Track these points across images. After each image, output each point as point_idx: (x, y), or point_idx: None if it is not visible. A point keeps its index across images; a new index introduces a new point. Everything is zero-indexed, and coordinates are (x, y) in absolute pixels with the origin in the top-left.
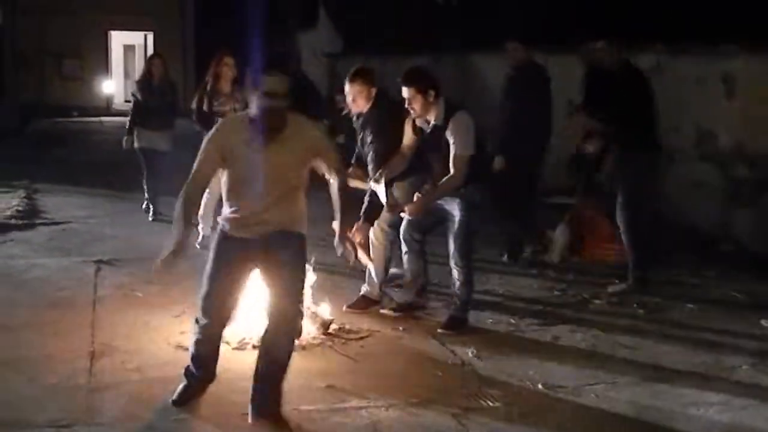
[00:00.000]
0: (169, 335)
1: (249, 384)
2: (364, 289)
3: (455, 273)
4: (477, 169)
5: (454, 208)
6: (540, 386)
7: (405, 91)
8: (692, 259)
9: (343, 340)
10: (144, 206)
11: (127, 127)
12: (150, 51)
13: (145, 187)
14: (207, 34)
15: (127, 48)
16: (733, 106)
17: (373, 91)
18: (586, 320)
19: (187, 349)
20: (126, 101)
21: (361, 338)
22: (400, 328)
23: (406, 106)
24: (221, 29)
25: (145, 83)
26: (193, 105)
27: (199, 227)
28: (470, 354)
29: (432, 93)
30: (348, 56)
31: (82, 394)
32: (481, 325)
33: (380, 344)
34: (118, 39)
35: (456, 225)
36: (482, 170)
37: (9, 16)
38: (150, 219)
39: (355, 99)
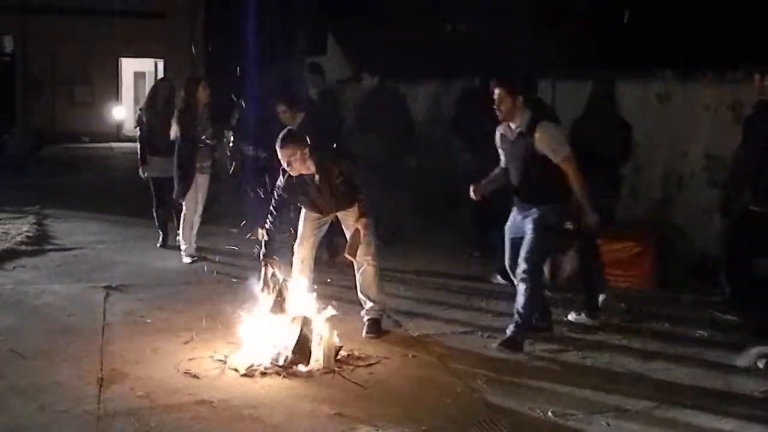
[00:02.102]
0: (178, 362)
1: (254, 412)
2: (369, 313)
3: (520, 289)
4: (554, 189)
5: (527, 224)
6: (550, 414)
7: (496, 92)
8: (702, 285)
9: (352, 367)
10: (160, 240)
11: (139, 156)
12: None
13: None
14: (217, 61)
15: (138, 75)
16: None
17: (307, 151)
18: (597, 346)
19: (195, 376)
20: (136, 127)
21: (370, 365)
22: (409, 354)
23: (494, 107)
24: (231, 57)
25: (150, 108)
26: (177, 132)
27: (182, 246)
28: (479, 381)
29: (521, 99)
30: (356, 82)
31: (91, 421)
32: (491, 352)
33: (389, 371)
34: (129, 66)
35: (526, 242)
36: (560, 191)
37: (20, 43)
38: (158, 245)
39: (291, 164)
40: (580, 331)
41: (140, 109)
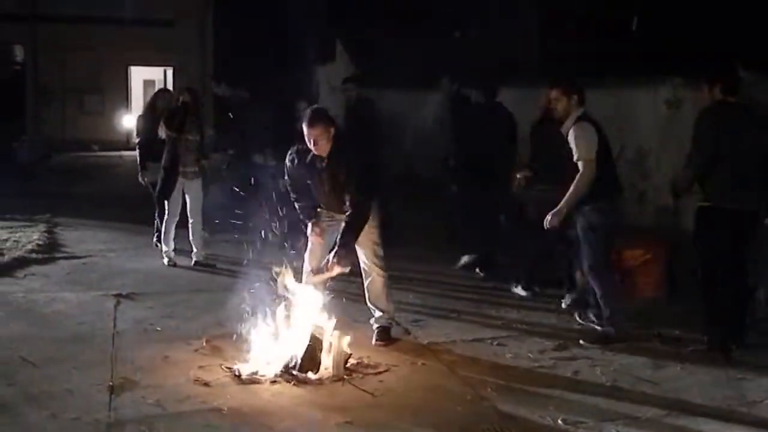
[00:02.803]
0: (188, 369)
1: (264, 420)
2: (379, 321)
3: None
4: (597, 189)
5: (576, 224)
6: (560, 422)
7: (552, 92)
8: None
9: (361, 375)
10: (155, 240)
11: (138, 162)
12: (170, 86)
13: (157, 220)
14: (226, 69)
15: (147, 83)
16: None
17: (333, 130)
18: (607, 354)
19: (206, 384)
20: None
21: (380, 373)
22: (419, 362)
23: (550, 106)
24: (240, 64)
25: (148, 116)
26: (162, 134)
27: (163, 249)
28: (489, 389)
29: (575, 98)
30: (364, 89)
31: (102, 428)
32: (501, 359)
33: (399, 379)
34: (138, 74)
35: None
36: (605, 190)
37: (30, 52)
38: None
39: (317, 142)
40: (590, 338)
41: (138, 117)
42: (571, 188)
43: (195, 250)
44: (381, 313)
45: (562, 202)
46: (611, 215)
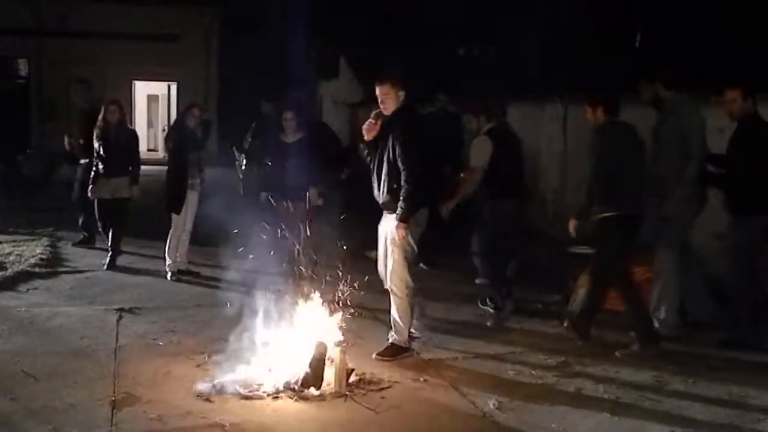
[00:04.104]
0: (190, 385)
1: None
2: (392, 337)
3: None
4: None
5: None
6: None
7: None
8: (716, 309)
9: (364, 391)
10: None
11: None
12: (174, 101)
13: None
14: (230, 84)
15: (151, 98)
16: None
17: (402, 95)
18: (610, 371)
19: (208, 400)
20: (149, 150)
21: (382, 389)
22: (421, 378)
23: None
24: (244, 79)
25: (103, 130)
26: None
27: (167, 262)
28: (491, 405)
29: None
30: (368, 105)
31: None
32: (503, 375)
33: (401, 395)
34: (143, 89)
35: None
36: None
37: (35, 66)
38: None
39: (384, 101)
40: (593, 355)
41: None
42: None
43: (179, 259)
44: (394, 333)
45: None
46: (504, 211)
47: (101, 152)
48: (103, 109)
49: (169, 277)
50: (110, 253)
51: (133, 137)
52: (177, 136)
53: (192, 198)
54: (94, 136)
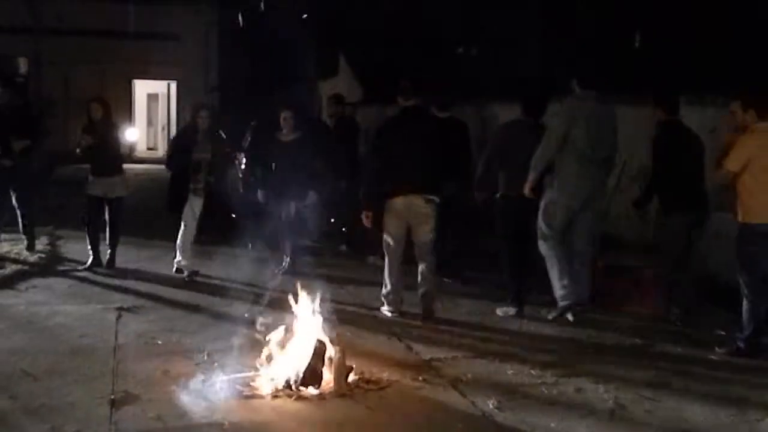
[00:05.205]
0: (189, 383)
1: None
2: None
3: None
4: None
5: None
6: None
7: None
8: (715, 310)
9: (363, 390)
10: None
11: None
12: (173, 99)
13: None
14: (230, 82)
15: (151, 96)
16: None
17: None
18: (609, 371)
19: (207, 399)
20: (148, 149)
21: (381, 388)
22: (420, 378)
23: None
24: (244, 78)
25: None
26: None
27: (177, 258)
28: (491, 405)
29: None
30: (367, 104)
31: None
32: (502, 375)
33: (400, 395)
34: (142, 88)
35: None
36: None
37: (34, 65)
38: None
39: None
40: (592, 356)
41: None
42: None
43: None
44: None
45: None
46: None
47: (90, 152)
48: (86, 107)
49: (185, 276)
50: (109, 251)
51: (117, 131)
52: (186, 137)
53: (196, 203)
54: (79, 136)
